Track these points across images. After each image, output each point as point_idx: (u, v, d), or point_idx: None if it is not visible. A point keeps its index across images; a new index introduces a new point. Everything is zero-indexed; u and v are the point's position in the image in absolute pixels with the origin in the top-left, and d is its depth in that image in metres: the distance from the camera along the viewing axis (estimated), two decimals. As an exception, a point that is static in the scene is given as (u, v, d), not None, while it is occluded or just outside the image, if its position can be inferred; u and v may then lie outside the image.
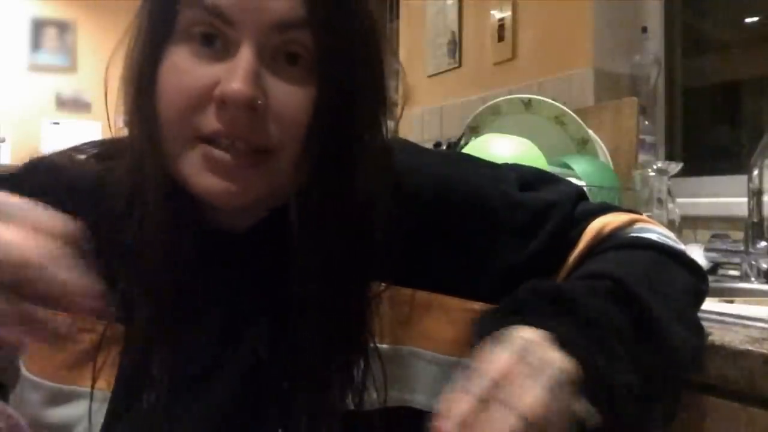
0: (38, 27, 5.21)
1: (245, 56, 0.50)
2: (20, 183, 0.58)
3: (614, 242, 0.59)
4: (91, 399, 0.55)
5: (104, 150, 0.62)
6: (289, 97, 0.51)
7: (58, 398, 0.56)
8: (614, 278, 0.52)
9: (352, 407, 0.55)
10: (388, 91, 0.57)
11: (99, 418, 0.55)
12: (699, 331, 0.56)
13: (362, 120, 0.54)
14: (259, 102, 0.50)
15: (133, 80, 0.54)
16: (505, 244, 0.60)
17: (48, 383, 0.56)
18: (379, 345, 0.57)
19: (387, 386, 0.57)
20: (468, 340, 0.59)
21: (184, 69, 0.51)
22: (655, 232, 0.62)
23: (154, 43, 0.53)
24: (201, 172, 0.51)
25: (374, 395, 0.56)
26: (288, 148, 0.52)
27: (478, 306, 0.60)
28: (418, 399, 0.59)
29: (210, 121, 0.50)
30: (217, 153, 0.50)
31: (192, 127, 0.51)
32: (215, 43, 0.51)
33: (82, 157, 0.62)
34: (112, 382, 0.55)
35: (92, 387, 0.55)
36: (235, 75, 0.49)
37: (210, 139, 0.51)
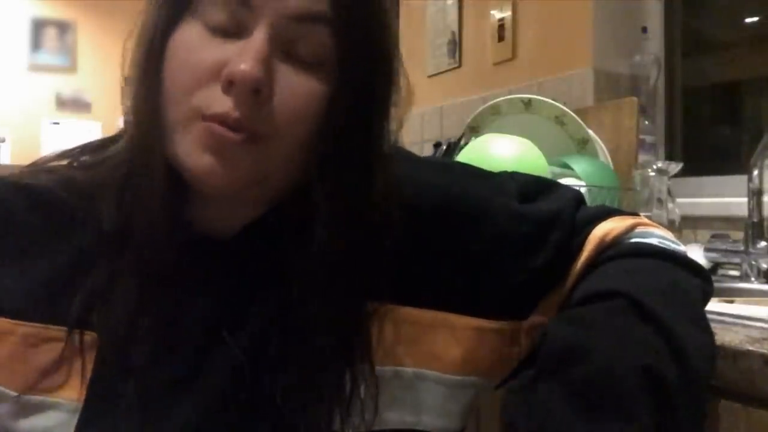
0: (38, 27, 5.20)
1: (258, 39, 0.49)
2: None
3: (617, 250, 0.58)
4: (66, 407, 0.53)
5: (96, 145, 0.61)
6: (296, 89, 0.50)
7: (26, 409, 0.54)
8: (623, 293, 0.51)
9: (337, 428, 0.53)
10: (396, 97, 0.56)
11: (70, 429, 0.53)
12: (710, 336, 0.54)
13: (372, 122, 0.53)
14: (265, 87, 0.49)
15: (141, 57, 0.53)
16: (509, 258, 0.59)
17: (14, 394, 0.53)
18: (380, 367, 0.55)
19: (377, 410, 0.54)
20: (475, 359, 0.58)
21: (194, 46, 0.51)
22: (656, 235, 0.61)
23: (167, 19, 0.52)
24: (197, 150, 0.50)
25: (357, 419, 0.54)
26: (282, 138, 0.51)
27: (484, 323, 0.58)
28: (425, 421, 0.58)
29: (213, 102, 0.49)
30: (219, 129, 0.49)
31: (194, 104, 0.50)
32: (230, 27, 0.50)
33: (64, 162, 0.60)
34: (84, 392, 0.53)
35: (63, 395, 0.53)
36: (245, 56, 0.48)
37: (210, 120, 0.50)
